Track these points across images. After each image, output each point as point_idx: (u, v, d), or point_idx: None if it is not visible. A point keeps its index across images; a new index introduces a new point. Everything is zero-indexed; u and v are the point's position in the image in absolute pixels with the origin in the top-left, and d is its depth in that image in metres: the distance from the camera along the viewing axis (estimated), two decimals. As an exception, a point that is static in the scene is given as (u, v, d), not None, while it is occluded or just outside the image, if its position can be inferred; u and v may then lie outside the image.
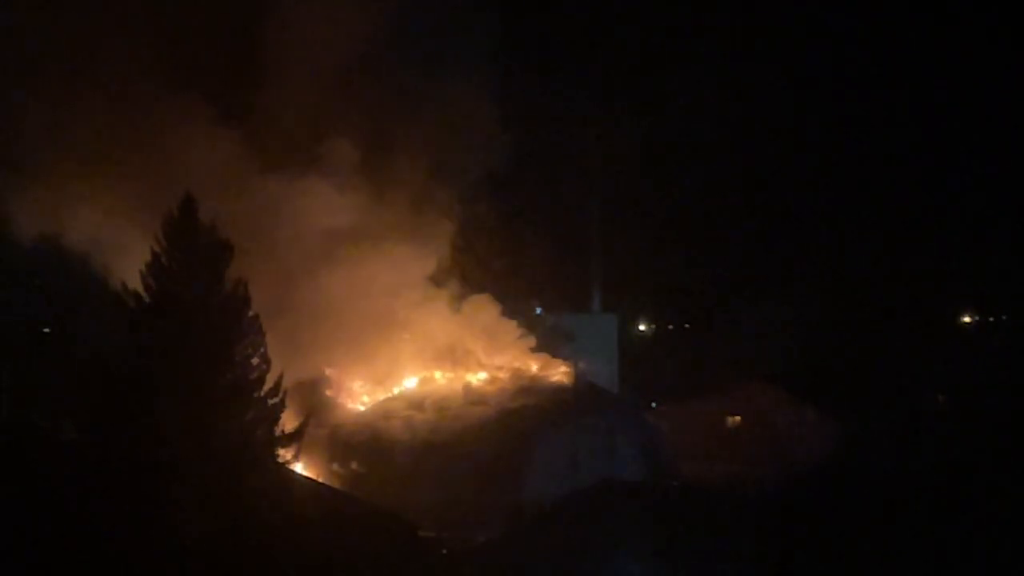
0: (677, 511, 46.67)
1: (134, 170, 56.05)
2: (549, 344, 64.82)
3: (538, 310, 69.45)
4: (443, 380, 62.19)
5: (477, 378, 61.92)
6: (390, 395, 61.26)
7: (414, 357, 62.33)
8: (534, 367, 62.91)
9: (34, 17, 56.17)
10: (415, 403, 59.32)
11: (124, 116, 56.67)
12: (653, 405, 70.75)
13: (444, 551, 45.58)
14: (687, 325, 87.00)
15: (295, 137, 60.03)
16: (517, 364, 63.08)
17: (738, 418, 67.29)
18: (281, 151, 59.55)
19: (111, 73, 56.37)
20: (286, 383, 41.18)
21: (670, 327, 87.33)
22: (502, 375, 62.09)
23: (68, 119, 56.14)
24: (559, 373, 62.57)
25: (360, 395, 61.44)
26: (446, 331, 62.70)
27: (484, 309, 63.62)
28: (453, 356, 62.85)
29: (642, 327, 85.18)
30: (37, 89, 56.07)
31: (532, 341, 63.95)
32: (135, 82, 56.68)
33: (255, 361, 40.51)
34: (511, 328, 63.90)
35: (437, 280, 63.22)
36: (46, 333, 62.65)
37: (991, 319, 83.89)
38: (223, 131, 57.83)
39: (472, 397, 59.14)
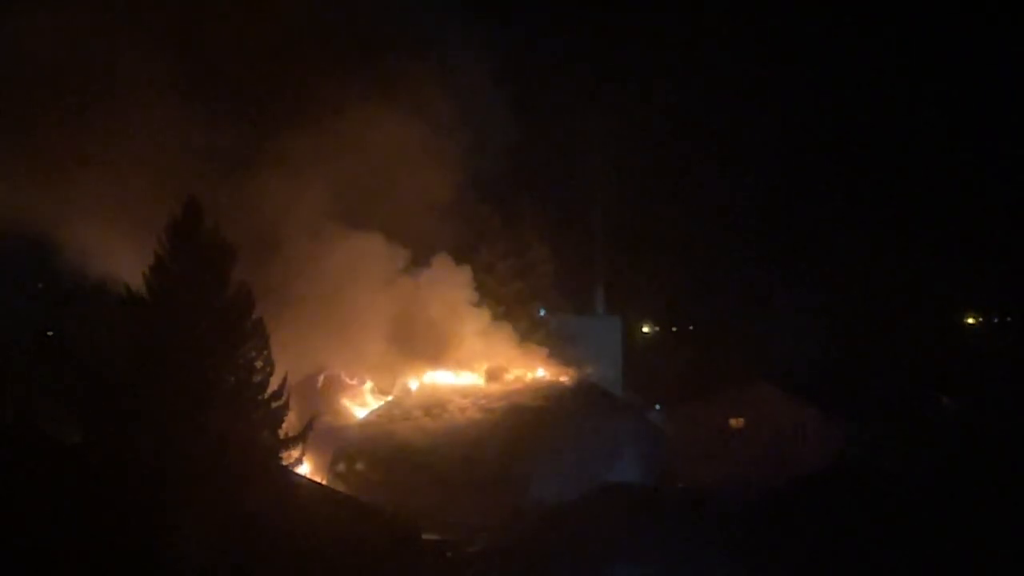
0: (681, 514, 46.66)
1: (131, 170, 56.17)
2: (553, 346, 64.80)
3: (541, 312, 69.40)
4: (446, 381, 62.14)
5: (481, 380, 61.91)
6: (393, 396, 61.20)
7: (417, 358, 62.28)
8: (539, 370, 62.87)
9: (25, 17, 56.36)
10: (418, 404, 59.26)
11: (116, 116, 56.87)
12: (657, 407, 70.70)
13: (448, 554, 45.54)
14: (691, 327, 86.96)
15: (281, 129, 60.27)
16: (521, 366, 63.09)
17: (742, 420, 67.20)
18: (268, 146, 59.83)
19: (102, 72, 56.62)
20: (288, 384, 41.30)
21: (674, 329, 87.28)
22: (506, 376, 62.10)
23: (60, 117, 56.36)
24: (563, 375, 62.53)
25: (363, 397, 61.39)
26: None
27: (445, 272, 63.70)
28: (456, 358, 62.86)
29: (646, 329, 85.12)
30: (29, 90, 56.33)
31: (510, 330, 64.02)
32: (124, 80, 56.96)
33: (259, 364, 40.55)
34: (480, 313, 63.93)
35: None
36: (49, 336, 62.52)
37: (995, 320, 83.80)
38: (218, 126, 58.06)
39: (475, 399, 59.07)
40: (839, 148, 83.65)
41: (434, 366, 62.37)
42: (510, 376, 62.15)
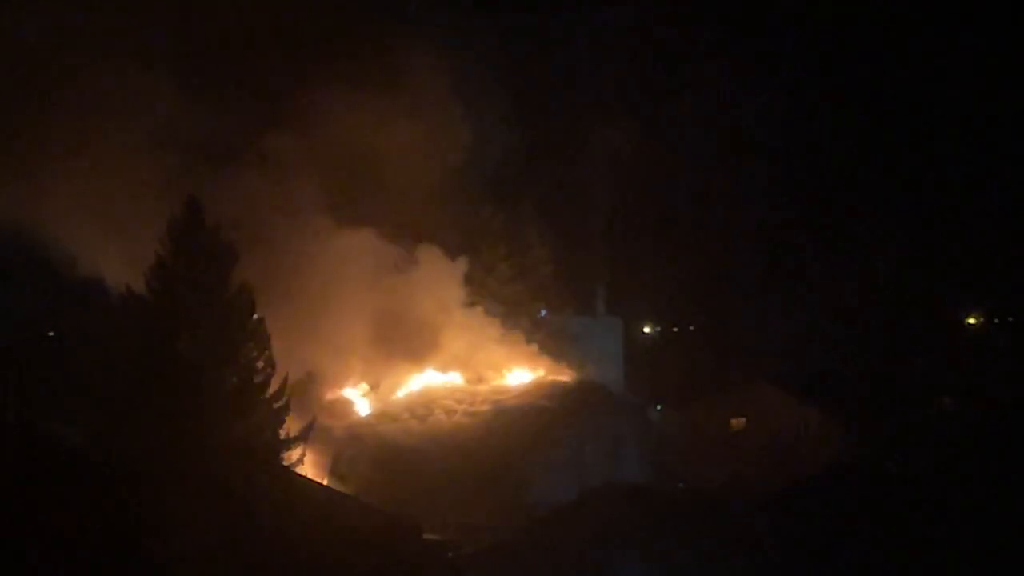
0: (682, 513, 46.65)
1: (130, 170, 56.15)
2: (554, 347, 64.86)
3: (542, 313, 69.37)
4: (448, 381, 62.12)
5: (483, 380, 61.90)
6: (395, 397, 61.18)
7: (419, 358, 62.27)
8: (539, 369, 62.91)
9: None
10: (420, 405, 59.26)
11: (114, 115, 56.86)
12: (658, 407, 70.69)
13: (449, 554, 45.54)
14: (692, 327, 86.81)
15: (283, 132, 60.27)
16: (521, 365, 63.14)
17: (743, 420, 67.16)
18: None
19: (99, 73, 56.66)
20: (290, 384, 41.34)
21: (675, 329, 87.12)
22: (508, 377, 62.18)
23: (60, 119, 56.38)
24: (564, 375, 62.54)
25: (365, 397, 61.37)
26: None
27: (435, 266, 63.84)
28: (459, 358, 62.86)
29: (647, 329, 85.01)
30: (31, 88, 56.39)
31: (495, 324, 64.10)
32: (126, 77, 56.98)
33: (260, 364, 40.62)
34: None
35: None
36: (50, 337, 62.50)
37: (996, 320, 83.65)
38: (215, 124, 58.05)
39: (478, 399, 59.08)
40: (840, 148, 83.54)
41: (433, 367, 62.36)
42: (499, 379, 62.15)
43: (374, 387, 61.77)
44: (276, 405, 41.74)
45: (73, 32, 56.45)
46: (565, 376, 62.48)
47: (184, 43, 58.92)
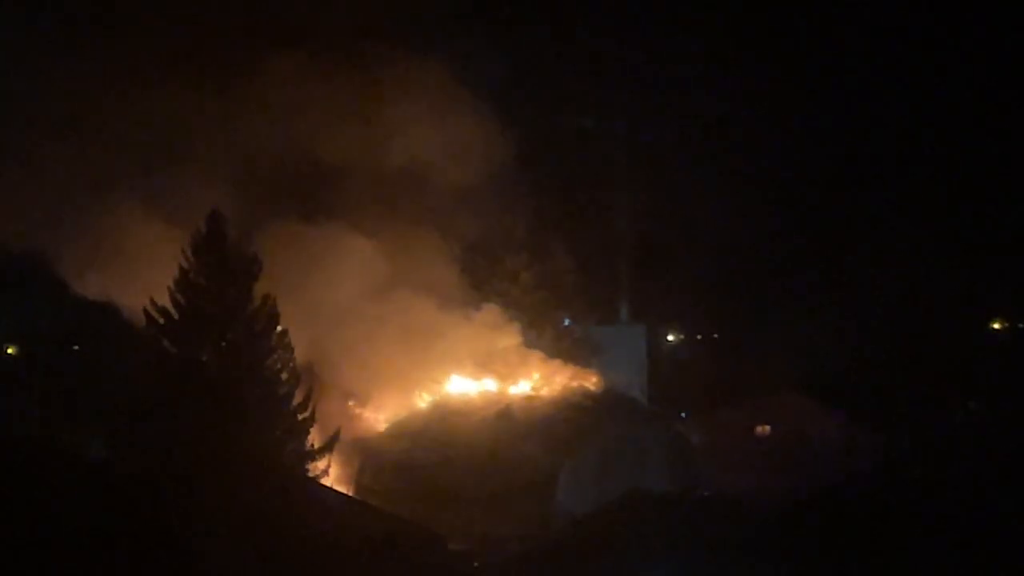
0: (707, 522, 46.45)
1: (160, 184, 56.30)
2: (578, 355, 64.79)
3: (566, 321, 69.33)
4: (472, 391, 62.07)
5: (507, 389, 61.83)
6: (419, 407, 61.17)
7: (442, 368, 62.23)
8: (563, 377, 62.81)
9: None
10: (444, 415, 59.23)
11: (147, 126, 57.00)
12: (683, 415, 70.46)
13: (475, 564, 45.49)
14: (716, 335, 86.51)
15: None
16: (546, 374, 63.06)
17: (768, 428, 66.88)
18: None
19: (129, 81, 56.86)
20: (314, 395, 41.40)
21: (699, 337, 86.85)
22: (532, 386, 62.08)
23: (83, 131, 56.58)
24: (589, 384, 62.41)
25: (388, 407, 61.37)
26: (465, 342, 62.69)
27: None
28: (481, 367, 62.81)
29: (671, 337, 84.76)
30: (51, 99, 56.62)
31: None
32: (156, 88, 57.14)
33: (284, 376, 40.71)
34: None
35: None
36: (74, 350, 62.80)
37: (1021, 326, 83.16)
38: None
39: (502, 408, 59.01)
40: (865, 154, 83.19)
41: (457, 375, 62.32)
42: (523, 388, 62.08)
43: (398, 396, 61.76)
44: (301, 416, 41.82)
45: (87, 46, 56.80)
46: (589, 385, 62.36)
47: (203, 54, 59.09)
